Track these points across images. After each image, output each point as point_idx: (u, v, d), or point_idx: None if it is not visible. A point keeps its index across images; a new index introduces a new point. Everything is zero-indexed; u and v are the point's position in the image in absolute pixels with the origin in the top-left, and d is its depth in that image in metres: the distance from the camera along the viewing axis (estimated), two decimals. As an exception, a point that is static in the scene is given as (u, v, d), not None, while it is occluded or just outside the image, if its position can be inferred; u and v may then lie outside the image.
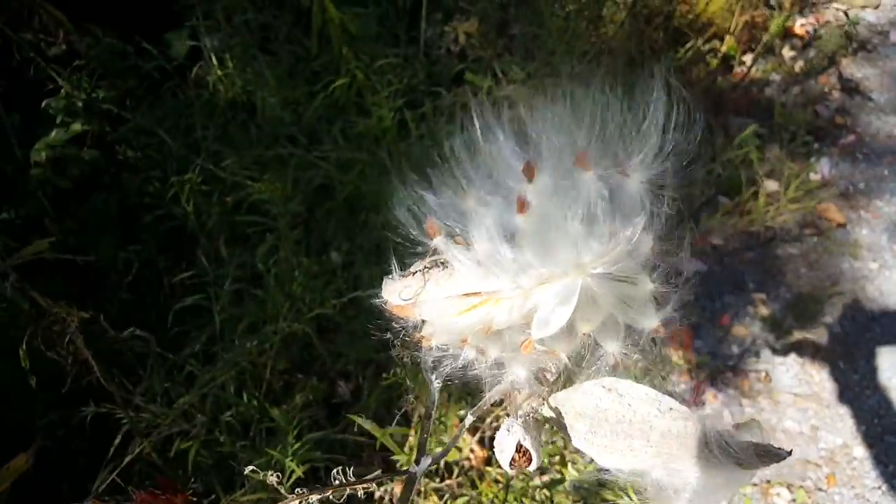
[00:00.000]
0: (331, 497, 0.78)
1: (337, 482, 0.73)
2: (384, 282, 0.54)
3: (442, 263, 0.55)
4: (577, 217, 0.50)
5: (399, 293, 0.52)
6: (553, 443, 1.73)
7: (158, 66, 2.08)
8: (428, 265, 0.56)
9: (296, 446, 1.61)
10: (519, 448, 0.52)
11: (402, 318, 0.53)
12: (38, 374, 1.58)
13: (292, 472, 1.57)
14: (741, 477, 0.54)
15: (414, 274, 0.55)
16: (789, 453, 0.53)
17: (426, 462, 0.67)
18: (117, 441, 1.54)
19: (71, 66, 2.03)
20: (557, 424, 0.59)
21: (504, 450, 0.52)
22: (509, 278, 0.50)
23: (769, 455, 0.53)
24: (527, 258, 0.50)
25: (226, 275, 1.76)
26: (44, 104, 1.96)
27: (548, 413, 0.60)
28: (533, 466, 0.53)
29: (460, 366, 0.55)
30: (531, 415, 0.55)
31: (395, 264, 0.53)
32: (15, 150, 1.85)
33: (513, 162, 0.53)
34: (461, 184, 0.54)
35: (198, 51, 2.09)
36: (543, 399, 0.60)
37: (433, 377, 0.59)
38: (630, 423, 0.57)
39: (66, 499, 1.53)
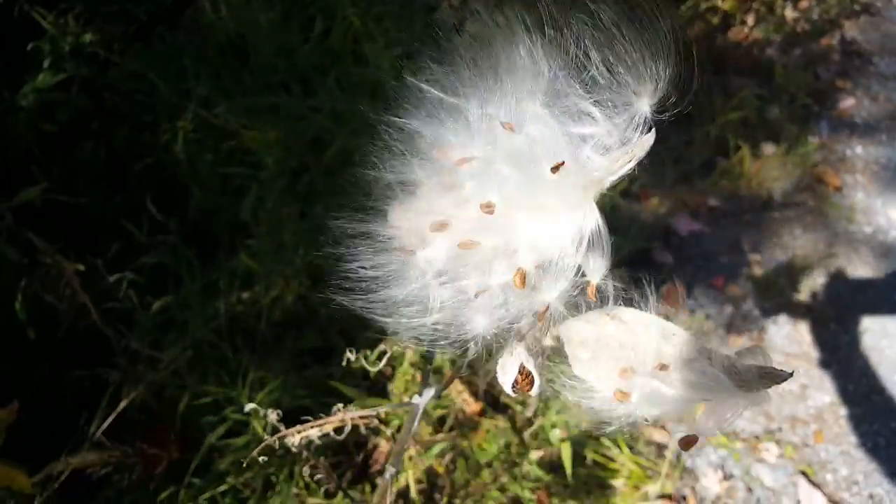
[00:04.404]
0: (331, 433, 0.77)
1: (338, 415, 0.73)
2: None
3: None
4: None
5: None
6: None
7: (148, 11, 2.02)
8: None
9: (273, 394, 1.60)
10: (522, 370, 0.51)
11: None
12: (32, 322, 1.57)
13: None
14: (743, 400, 0.54)
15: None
16: (790, 374, 0.53)
17: (429, 394, 0.67)
18: (112, 388, 1.54)
19: (57, 9, 1.97)
20: (559, 352, 0.58)
21: (507, 372, 0.52)
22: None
23: (771, 377, 0.53)
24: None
25: (217, 224, 1.74)
26: (29, 47, 1.90)
27: (549, 342, 0.59)
28: (535, 391, 0.52)
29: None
30: (535, 339, 0.54)
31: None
32: (3, 94, 1.80)
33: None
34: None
35: (189, -6, 2.03)
36: (546, 328, 0.59)
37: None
38: (633, 350, 0.56)
39: (60, 447, 1.53)
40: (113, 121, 1.92)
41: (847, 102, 2.87)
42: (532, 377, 0.52)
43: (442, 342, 0.51)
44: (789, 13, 3.03)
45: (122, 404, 1.48)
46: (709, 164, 2.56)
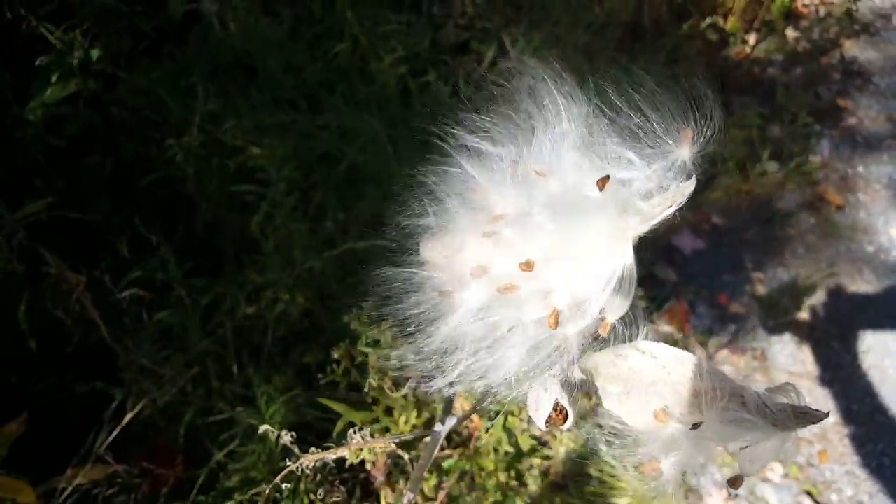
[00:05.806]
0: (346, 457, 0.77)
1: (355, 441, 0.72)
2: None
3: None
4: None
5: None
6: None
7: (156, 27, 2.02)
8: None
9: (278, 410, 1.59)
10: (556, 406, 0.51)
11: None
12: (36, 335, 1.56)
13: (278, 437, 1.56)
14: (778, 438, 0.54)
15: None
16: (826, 415, 0.53)
17: (451, 422, 0.66)
18: (116, 402, 1.53)
19: (64, 25, 1.97)
20: (588, 386, 0.58)
21: (541, 408, 0.51)
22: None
23: (806, 416, 0.53)
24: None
25: (225, 239, 1.73)
26: (38, 62, 1.90)
27: (578, 374, 0.59)
28: (568, 425, 0.52)
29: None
30: (566, 374, 0.54)
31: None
32: (12, 107, 1.80)
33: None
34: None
35: (197, 10, 2.03)
36: (576, 361, 0.59)
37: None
38: (665, 385, 0.56)
39: (64, 460, 1.52)
40: (120, 135, 1.92)
41: (848, 121, 2.90)
42: (566, 412, 0.52)
43: (477, 382, 0.51)
44: (790, 33, 3.06)
45: (127, 418, 1.47)
46: (711, 182, 2.57)
